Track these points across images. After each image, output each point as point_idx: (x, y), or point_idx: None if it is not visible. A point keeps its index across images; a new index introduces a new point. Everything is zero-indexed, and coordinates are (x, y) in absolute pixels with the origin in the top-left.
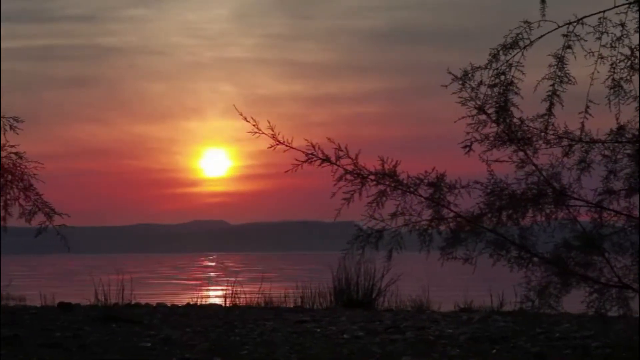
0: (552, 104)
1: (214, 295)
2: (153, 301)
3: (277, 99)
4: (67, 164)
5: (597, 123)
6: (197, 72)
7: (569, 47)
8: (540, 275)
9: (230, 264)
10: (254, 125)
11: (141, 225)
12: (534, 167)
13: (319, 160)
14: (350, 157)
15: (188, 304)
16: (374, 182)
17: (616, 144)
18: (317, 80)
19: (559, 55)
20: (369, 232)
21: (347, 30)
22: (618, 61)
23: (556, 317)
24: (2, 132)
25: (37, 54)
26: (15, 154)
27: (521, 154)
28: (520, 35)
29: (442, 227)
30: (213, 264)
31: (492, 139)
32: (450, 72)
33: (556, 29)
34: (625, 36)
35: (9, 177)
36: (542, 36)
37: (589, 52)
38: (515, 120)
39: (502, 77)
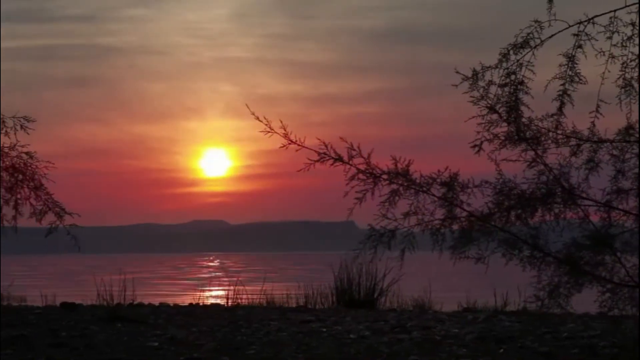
0: (562, 104)
1: (216, 296)
2: (155, 301)
3: (277, 99)
4: (67, 164)
5: (606, 123)
6: (197, 72)
7: (580, 46)
8: (550, 274)
9: (231, 264)
10: (266, 124)
11: (141, 225)
12: (544, 167)
13: (332, 160)
14: (362, 157)
15: (190, 303)
16: (387, 182)
17: (624, 144)
18: (317, 80)
19: (570, 55)
20: (382, 231)
21: (347, 30)
22: (629, 60)
23: (561, 316)
24: None
25: (37, 54)
26: (26, 153)
27: (531, 153)
28: (530, 35)
29: (454, 227)
30: (213, 263)
31: (502, 138)
32: (458, 72)
33: (567, 28)
34: (636, 35)
35: (20, 176)
36: (552, 35)
37: (600, 52)
38: (523, 119)
39: (513, 77)
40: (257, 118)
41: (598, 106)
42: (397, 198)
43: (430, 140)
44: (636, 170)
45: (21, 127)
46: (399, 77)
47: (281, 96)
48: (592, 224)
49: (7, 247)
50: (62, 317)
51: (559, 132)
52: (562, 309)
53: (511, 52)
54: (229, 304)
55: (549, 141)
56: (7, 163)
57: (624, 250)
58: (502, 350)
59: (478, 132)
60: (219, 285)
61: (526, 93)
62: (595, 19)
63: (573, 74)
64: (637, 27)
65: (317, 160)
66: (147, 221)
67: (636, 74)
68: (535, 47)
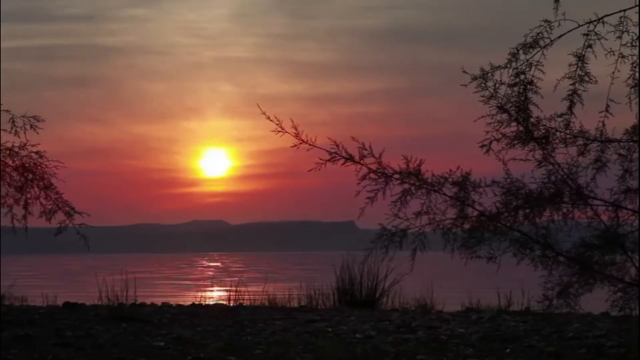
0: (572, 103)
1: (217, 295)
2: (156, 301)
3: (277, 99)
4: (67, 164)
5: (616, 122)
6: (197, 72)
7: (590, 46)
8: (559, 274)
9: (231, 264)
10: (277, 124)
11: (141, 225)
12: (552, 166)
13: (343, 159)
14: (374, 156)
15: (193, 303)
16: (399, 181)
17: (632, 143)
18: (317, 80)
19: (580, 55)
20: (394, 231)
21: (347, 30)
22: (639, 60)
23: (565, 316)
24: (0, 131)
25: (37, 53)
26: (36, 152)
27: (539, 152)
28: (540, 35)
29: (466, 226)
30: (214, 263)
31: (511, 137)
32: (465, 72)
33: (576, 27)
34: None
35: (30, 176)
36: (562, 35)
37: (610, 51)
38: (532, 119)
39: (522, 77)
40: (269, 118)
41: (608, 106)
42: (408, 198)
43: (430, 140)
44: None
45: (31, 126)
46: (399, 77)
47: (281, 96)
48: (603, 223)
49: (7, 247)
50: (66, 317)
51: (567, 131)
52: (571, 309)
53: (520, 51)
54: (232, 303)
55: (557, 141)
56: (17, 162)
57: (634, 249)
58: (508, 350)
59: (487, 132)
60: (220, 285)
61: (535, 93)
62: (605, 19)
63: (583, 74)
64: None
65: (329, 160)
66: (147, 221)
67: None
68: (544, 47)
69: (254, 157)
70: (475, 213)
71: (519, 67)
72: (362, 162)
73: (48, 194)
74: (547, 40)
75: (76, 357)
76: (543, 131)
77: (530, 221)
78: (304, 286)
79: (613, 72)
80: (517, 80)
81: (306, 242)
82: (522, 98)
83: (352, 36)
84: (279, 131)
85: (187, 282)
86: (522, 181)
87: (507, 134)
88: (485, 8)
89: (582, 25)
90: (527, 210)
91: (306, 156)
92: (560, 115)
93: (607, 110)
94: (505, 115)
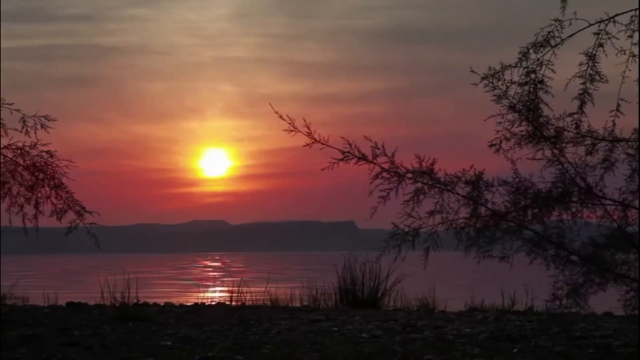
0: (583, 102)
1: (219, 296)
2: (157, 301)
3: (277, 99)
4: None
5: (624, 121)
6: (197, 72)
7: (601, 45)
8: (570, 273)
9: (231, 264)
10: (289, 123)
11: (141, 225)
12: (565, 165)
13: (355, 159)
14: (386, 155)
15: (196, 303)
16: (411, 180)
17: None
18: (317, 80)
19: (590, 54)
20: (407, 230)
21: (347, 30)
22: None
23: (570, 316)
24: (2, 130)
25: (37, 53)
26: (47, 152)
27: (548, 152)
28: (551, 34)
29: (478, 225)
30: (214, 263)
31: (520, 137)
32: (473, 71)
33: (587, 27)
34: None
35: (41, 175)
36: (572, 34)
37: (620, 50)
38: (543, 118)
39: (533, 76)
40: (281, 117)
41: (618, 105)
42: (421, 197)
43: (430, 140)
44: None
45: (41, 126)
46: (399, 77)
47: (281, 96)
48: (615, 222)
49: (6, 247)
50: (72, 317)
51: (575, 131)
52: (581, 309)
53: (531, 50)
54: (234, 303)
55: (565, 141)
56: (28, 162)
57: None
58: (516, 349)
59: (497, 131)
60: (222, 285)
61: (546, 92)
62: (616, 18)
63: (594, 73)
64: None
65: (341, 159)
66: (147, 221)
67: None
68: (555, 46)
69: (254, 157)
70: (488, 212)
71: (530, 66)
72: (374, 161)
73: (59, 193)
74: (558, 40)
75: (85, 356)
76: (552, 130)
77: (538, 221)
78: (305, 286)
79: (624, 71)
80: (528, 79)
81: (306, 242)
82: (533, 97)
83: (352, 36)
84: (292, 130)
85: (188, 282)
86: (530, 180)
87: (517, 133)
88: (486, 8)
89: (592, 25)
90: (536, 210)
91: (306, 156)
92: (570, 115)
93: (617, 110)
94: (515, 115)
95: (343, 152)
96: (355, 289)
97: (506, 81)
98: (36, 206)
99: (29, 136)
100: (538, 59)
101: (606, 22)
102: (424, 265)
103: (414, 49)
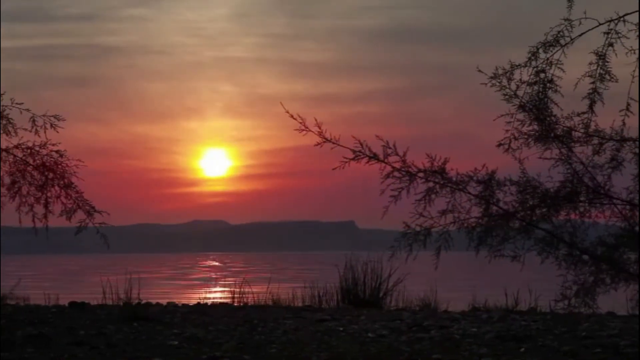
0: (593, 102)
1: (221, 295)
2: (160, 301)
3: (277, 99)
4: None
5: (633, 121)
6: (197, 72)
7: (611, 44)
8: (581, 272)
9: (231, 264)
10: (300, 122)
11: (141, 225)
12: (573, 164)
13: (367, 158)
14: (398, 155)
15: (198, 303)
16: (423, 180)
17: None
18: (317, 79)
19: (600, 53)
20: (418, 229)
21: (348, 30)
22: None
23: (574, 316)
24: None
25: (37, 53)
26: (57, 151)
27: (558, 151)
28: (561, 33)
29: (489, 224)
30: (214, 263)
31: (532, 137)
32: (480, 70)
33: (597, 26)
34: None
35: (50, 175)
36: (582, 34)
37: (630, 50)
38: (552, 118)
39: (542, 75)
40: (292, 116)
41: (628, 104)
42: (433, 196)
43: (430, 140)
44: None
45: (51, 125)
46: (399, 77)
47: (281, 96)
48: (627, 221)
49: (6, 247)
50: (77, 316)
51: (582, 130)
52: (590, 308)
53: (540, 50)
54: (238, 303)
55: (573, 140)
56: (38, 161)
57: None
58: (523, 349)
59: (507, 131)
60: (223, 285)
61: (556, 91)
62: (626, 17)
63: (604, 72)
64: None
65: (353, 159)
66: (147, 221)
67: None
68: (565, 45)
69: (254, 157)
70: (500, 211)
71: (539, 66)
72: (386, 160)
73: (69, 193)
74: (568, 39)
75: (92, 356)
76: (561, 130)
77: (547, 220)
78: (307, 286)
79: (634, 71)
80: (537, 79)
81: (306, 242)
82: (542, 97)
83: (352, 36)
84: (302, 130)
85: (188, 282)
86: (538, 180)
87: (527, 133)
88: (486, 8)
89: (602, 24)
90: (544, 210)
91: (306, 156)
92: (579, 115)
93: (627, 109)
94: (525, 114)
95: (354, 152)
96: (357, 288)
97: (516, 81)
98: (46, 206)
99: (39, 136)
100: (547, 59)
101: (616, 21)
102: (435, 265)
103: (414, 49)
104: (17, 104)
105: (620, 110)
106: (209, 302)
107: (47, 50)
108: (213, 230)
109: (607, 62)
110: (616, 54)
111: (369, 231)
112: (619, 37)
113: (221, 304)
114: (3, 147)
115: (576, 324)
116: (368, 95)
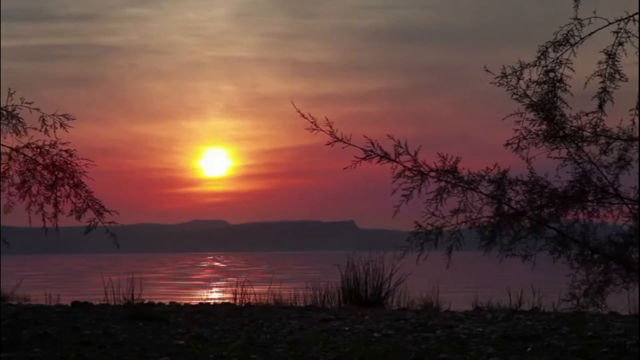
0: (603, 101)
1: (223, 295)
2: (162, 300)
3: (277, 98)
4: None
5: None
6: (198, 72)
7: (621, 44)
8: (591, 272)
9: (232, 264)
10: (311, 122)
11: (141, 225)
12: (582, 164)
13: (378, 157)
14: (409, 154)
15: (201, 302)
16: (435, 179)
17: None
18: (317, 79)
19: (610, 52)
20: (430, 229)
21: (348, 30)
22: None
23: (578, 316)
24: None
25: (37, 53)
26: (66, 151)
27: (566, 151)
28: (570, 33)
29: (503, 223)
30: (214, 263)
31: (542, 136)
32: (487, 70)
33: (606, 25)
34: None
35: (60, 174)
36: (592, 33)
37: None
38: (561, 117)
39: (551, 74)
40: (303, 115)
41: (638, 104)
42: (445, 195)
43: (430, 140)
44: None
45: (61, 125)
46: (399, 77)
47: (281, 96)
48: (636, 220)
49: (5, 247)
50: (81, 316)
51: (590, 130)
52: (598, 308)
53: (550, 49)
54: (240, 302)
55: (582, 140)
56: (48, 160)
57: None
58: (529, 349)
59: (516, 130)
60: (224, 284)
61: (565, 90)
62: (636, 16)
63: (614, 72)
64: None
65: (364, 158)
66: (148, 221)
67: None
68: (574, 45)
69: (254, 157)
70: (512, 211)
71: (549, 65)
72: (397, 160)
73: (78, 192)
74: (577, 38)
75: (99, 355)
76: (570, 129)
77: (555, 220)
78: (309, 286)
79: None
80: (547, 78)
81: (306, 241)
82: (551, 96)
83: (352, 35)
84: (314, 129)
85: (189, 282)
86: (545, 179)
87: (535, 132)
88: (486, 8)
89: (612, 23)
90: (552, 209)
91: (306, 156)
92: (588, 114)
93: (637, 109)
94: (534, 114)
95: (365, 151)
96: (358, 288)
97: (526, 80)
98: (56, 205)
99: (48, 135)
100: (557, 58)
101: (625, 20)
102: (447, 265)
103: (414, 48)
104: (27, 103)
105: (630, 110)
106: (212, 302)
107: (47, 50)
108: (213, 230)
109: (617, 61)
110: (626, 54)
111: (368, 231)
112: (628, 37)
113: (224, 303)
114: (13, 146)
115: (581, 324)
116: (368, 95)
